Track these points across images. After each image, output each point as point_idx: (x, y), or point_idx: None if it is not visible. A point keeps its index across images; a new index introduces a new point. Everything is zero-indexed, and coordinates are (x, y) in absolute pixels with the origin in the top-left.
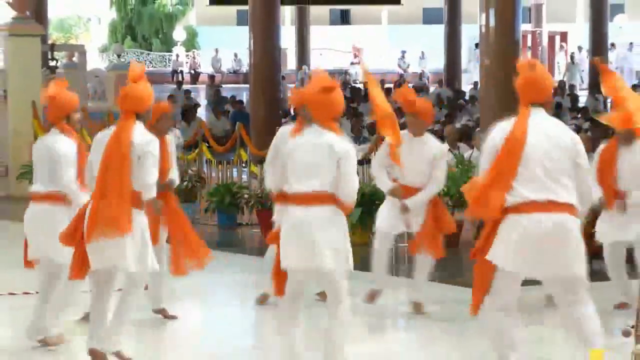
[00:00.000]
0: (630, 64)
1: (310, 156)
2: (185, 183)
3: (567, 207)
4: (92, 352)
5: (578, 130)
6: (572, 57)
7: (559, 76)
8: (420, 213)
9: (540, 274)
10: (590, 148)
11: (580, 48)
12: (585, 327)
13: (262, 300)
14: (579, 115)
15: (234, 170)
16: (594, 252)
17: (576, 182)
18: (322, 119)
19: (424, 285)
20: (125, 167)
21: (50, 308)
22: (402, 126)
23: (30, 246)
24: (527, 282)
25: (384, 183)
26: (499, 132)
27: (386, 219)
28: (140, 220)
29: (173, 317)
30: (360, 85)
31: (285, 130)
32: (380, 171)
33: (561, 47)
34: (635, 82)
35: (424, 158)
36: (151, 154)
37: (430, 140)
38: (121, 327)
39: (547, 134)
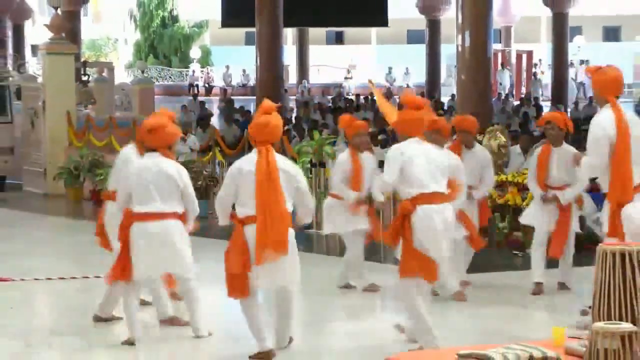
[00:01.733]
0: (586, 79)
1: (429, 162)
2: (200, 182)
3: None
4: None
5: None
6: (534, 75)
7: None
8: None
9: None
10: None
11: (536, 65)
12: None
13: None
14: None
15: None
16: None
17: None
18: (414, 133)
19: None
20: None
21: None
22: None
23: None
24: (502, 269)
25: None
26: (607, 125)
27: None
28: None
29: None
30: (353, 97)
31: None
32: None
33: (535, 65)
34: (591, 94)
35: None
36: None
37: None
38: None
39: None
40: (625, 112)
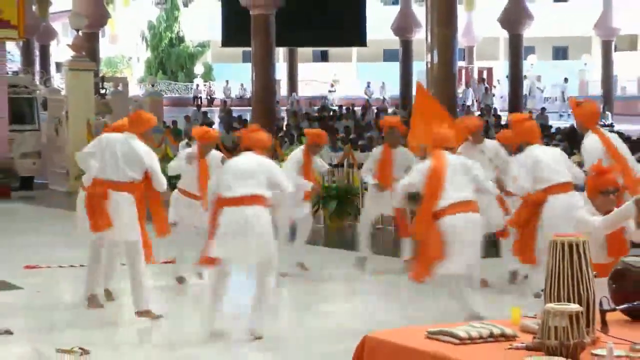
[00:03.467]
0: (536, 91)
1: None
2: None
3: None
4: None
5: None
6: (486, 89)
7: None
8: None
9: None
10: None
11: (499, 81)
12: None
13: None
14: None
15: None
16: None
17: None
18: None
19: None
20: None
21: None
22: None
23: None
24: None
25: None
26: (597, 146)
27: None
28: None
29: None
30: (336, 108)
31: None
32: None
33: (483, 80)
34: (543, 105)
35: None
36: None
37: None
38: None
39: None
40: (605, 132)
